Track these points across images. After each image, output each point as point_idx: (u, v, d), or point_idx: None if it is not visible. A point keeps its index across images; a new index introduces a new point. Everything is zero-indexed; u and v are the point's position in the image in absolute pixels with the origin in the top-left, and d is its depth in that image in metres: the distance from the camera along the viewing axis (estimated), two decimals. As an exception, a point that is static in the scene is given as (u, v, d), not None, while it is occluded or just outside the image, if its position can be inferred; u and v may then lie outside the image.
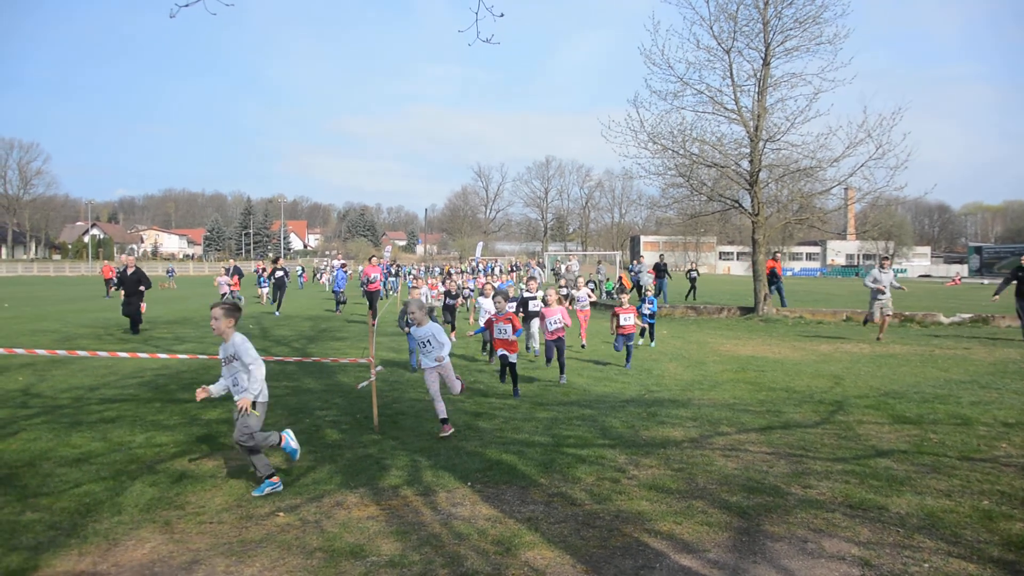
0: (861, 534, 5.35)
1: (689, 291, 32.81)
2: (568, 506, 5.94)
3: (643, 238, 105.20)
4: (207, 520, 5.68)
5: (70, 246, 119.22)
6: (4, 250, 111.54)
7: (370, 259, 27.57)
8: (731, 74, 24.53)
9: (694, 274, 34.05)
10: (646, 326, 17.12)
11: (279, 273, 26.64)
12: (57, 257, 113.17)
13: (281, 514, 5.81)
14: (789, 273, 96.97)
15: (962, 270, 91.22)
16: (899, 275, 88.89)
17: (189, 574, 4.74)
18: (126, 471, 6.95)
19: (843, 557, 4.96)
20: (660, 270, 31.25)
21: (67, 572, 4.76)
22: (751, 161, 24.70)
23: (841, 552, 5.04)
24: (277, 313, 25.69)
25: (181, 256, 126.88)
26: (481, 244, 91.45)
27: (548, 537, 5.30)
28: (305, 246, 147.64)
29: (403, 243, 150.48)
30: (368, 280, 25.06)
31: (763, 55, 24.08)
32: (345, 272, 31.03)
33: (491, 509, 5.91)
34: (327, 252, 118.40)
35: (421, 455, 7.52)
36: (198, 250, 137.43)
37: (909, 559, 4.91)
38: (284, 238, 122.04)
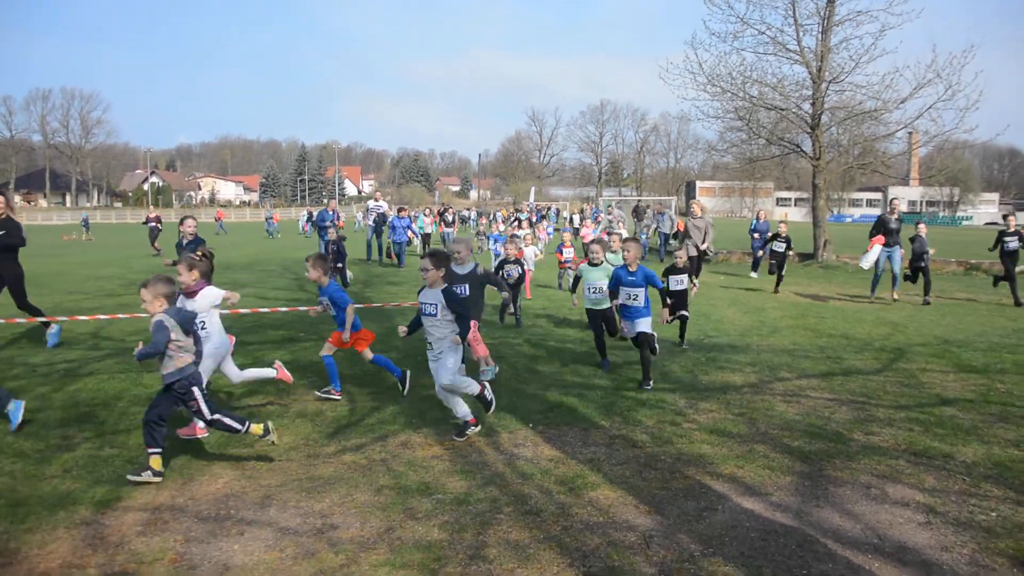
0: (926, 481, 5.31)
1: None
2: (629, 448, 6.00)
3: (699, 183, 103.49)
4: (276, 458, 5.87)
5: (130, 194, 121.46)
6: (68, 198, 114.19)
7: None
8: (793, 12, 23.88)
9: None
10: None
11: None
12: (118, 205, 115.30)
13: (347, 454, 5.96)
14: (848, 220, 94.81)
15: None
16: (964, 223, 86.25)
17: (262, 508, 4.91)
18: (197, 410, 7.17)
19: (907, 503, 4.94)
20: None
21: (148, 504, 4.96)
22: (813, 103, 24.11)
23: (905, 498, 5.02)
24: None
25: (238, 203, 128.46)
26: (534, 189, 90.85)
27: (611, 478, 5.37)
28: (359, 191, 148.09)
29: (456, 188, 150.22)
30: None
31: (827, -9, 23.31)
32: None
33: (553, 450, 6.00)
34: (378, 197, 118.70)
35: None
36: (254, 196, 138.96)
37: (976, 507, 4.87)
38: (339, 184, 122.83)
